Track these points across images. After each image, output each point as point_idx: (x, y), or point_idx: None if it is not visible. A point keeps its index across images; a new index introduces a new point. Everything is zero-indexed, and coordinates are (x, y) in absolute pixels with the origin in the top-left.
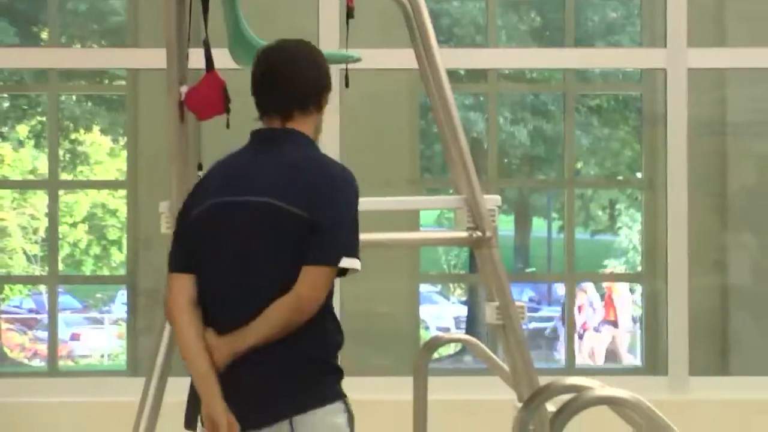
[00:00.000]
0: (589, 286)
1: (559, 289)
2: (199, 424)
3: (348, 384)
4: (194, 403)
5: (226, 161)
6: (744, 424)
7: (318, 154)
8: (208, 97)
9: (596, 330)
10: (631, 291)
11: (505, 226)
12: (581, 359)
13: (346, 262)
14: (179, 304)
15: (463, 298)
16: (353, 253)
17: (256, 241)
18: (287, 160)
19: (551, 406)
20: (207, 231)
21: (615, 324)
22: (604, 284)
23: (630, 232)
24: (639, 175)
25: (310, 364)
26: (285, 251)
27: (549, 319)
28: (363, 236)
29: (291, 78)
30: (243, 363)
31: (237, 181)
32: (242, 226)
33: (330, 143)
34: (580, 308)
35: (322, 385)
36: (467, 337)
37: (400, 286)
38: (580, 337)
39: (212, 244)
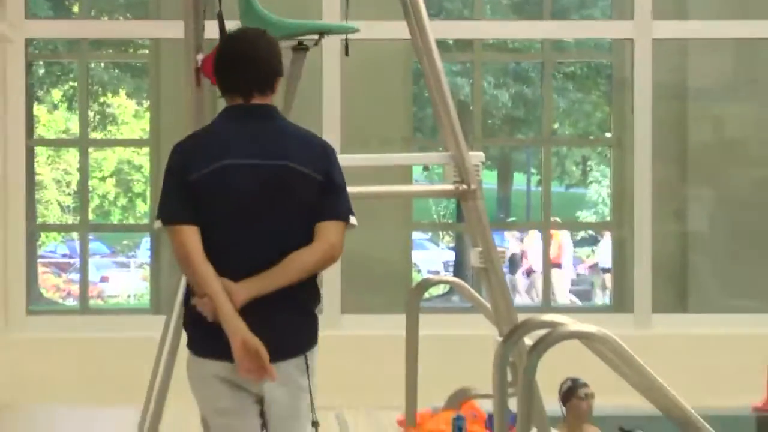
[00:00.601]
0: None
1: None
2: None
3: (349, 321)
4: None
5: (215, 130)
6: (701, 356)
7: (301, 127)
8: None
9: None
10: (598, 239)
11: (489, 180)
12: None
13: (352, 219)
14: (197, 249)
15: (451, 245)
16: (352, 211)
17: (276, 199)
18: (285, 130)
19: (528, 341)
20: (219, 189)
21: (559, 266)
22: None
23: (600, 186)
24: (608, 134)
25: (309, 310)
26: (303, 209)
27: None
28: (362, 189)
29: (257, 63)
30: (266, 304)
31: (246, 146)
32: (262, 186)
33: (331, 106)
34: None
35: (316, 327)
36: (454, 279)
37: (395, 234)
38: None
39: (226, 202)
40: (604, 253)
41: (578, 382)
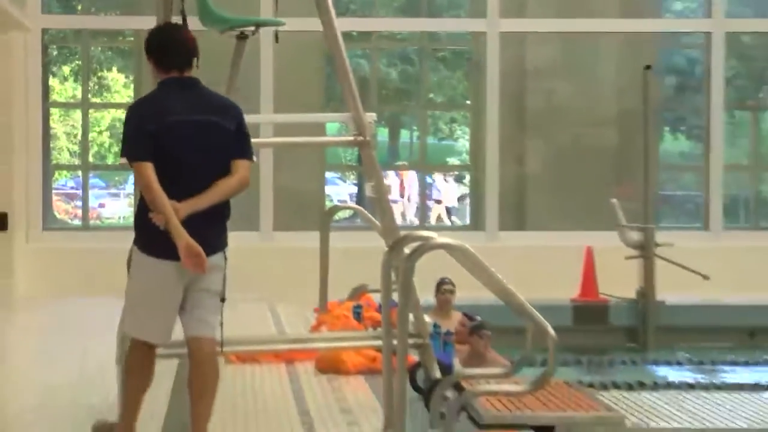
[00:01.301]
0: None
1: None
2: None
3: (280, 236)
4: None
5: (161, 95)
6: (534, 262)
7: (216, 93)
8: None
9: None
10: (462, 177)
11: (382, 134)
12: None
13: (254, 158)
14: (154, 179)
15: (355, 181)
16: (253, 153)
17: (206, 145)
18: (208, 95)
19: (407, 250)
20: (169, 138)
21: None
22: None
23: (464, 139)
24: (468, 102)
25: (225, 221)
26: (223, 151)
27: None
28: (287, 139)
29: (187, 47)
30: (199, 217)
31: (184, 106)
32: (197, 135)
33: (266, 81)
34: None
35: (227, 233)
36: (356, 206)
37: (314, 173)
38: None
39: (173, 146)
40: (466, 188)
41: (444, 280)
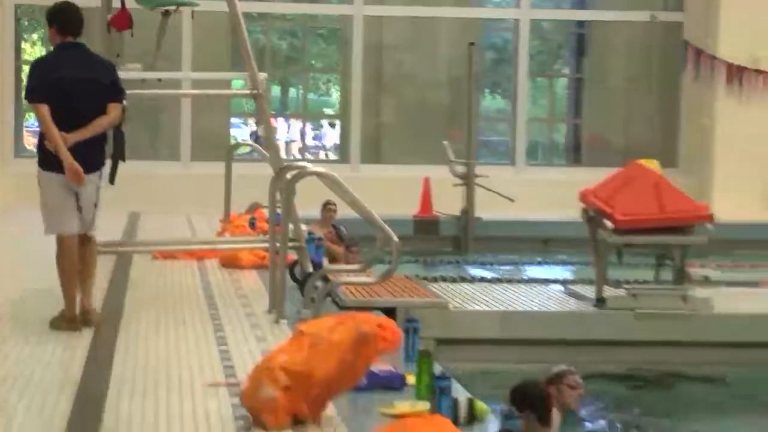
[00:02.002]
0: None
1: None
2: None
3: (196, 165)
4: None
5: (59, 54)
6: (387, 188)
7: (98, 54)
8: (122, 20)
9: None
10: (334, 124)
11: (275, 91)
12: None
13: (124, 103)
14: (48, 116)
15: (253, 125)
16: (124, 99)
17: (89, 93)
18: (93, 57)
19: (288, 176)
20: (62, 88)
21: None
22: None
23: (336, 95)
24: (339, 67)
25: (103, 148)
26: (102, 97)
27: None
28: (201, 91)
29: (80, 20)
30: (81, 145)
31: (76, 65)
32: (85, 85)
33: (186, 50)
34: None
35: (104, 155)
36: (253, 143)
37: (222, 118)
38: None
39: (66, 93)
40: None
41: (329, 201)
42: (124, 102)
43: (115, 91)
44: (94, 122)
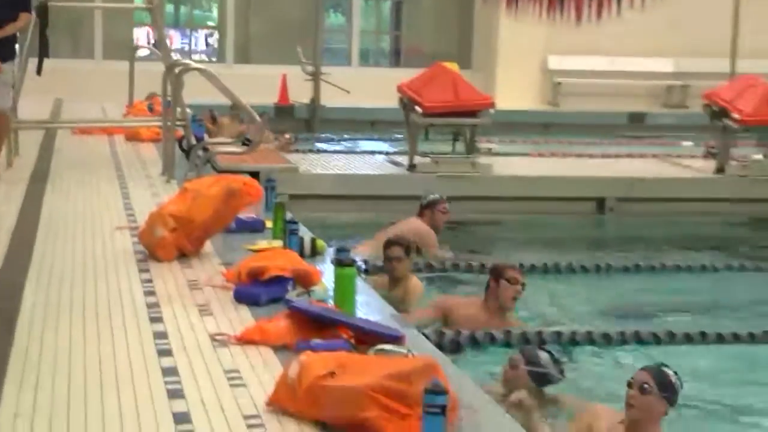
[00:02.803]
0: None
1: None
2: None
3: (106, 63)
4: None
5: None
6: (252, 83)
7: None
8: None
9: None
10: (213, 34)
11: (169, 8)
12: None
13: (33, 15)
14: None
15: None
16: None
17: (6, 4)
18: None
19: (176, 71)
20: None
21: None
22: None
23: (216, 11)
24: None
25: (13, 45)
26: (15, 7)
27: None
28: (107, 5)
29: None
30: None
31: None
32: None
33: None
34: None
35: (14, 50)
36: (150, 47)
37: (127, 27)
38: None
39: None
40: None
41: (212, 114)
42: (33, 15)
43: (24, 3)
44: (6, 27)
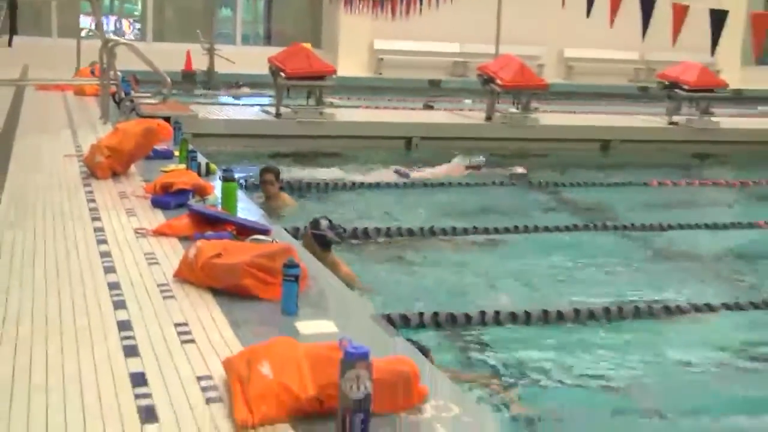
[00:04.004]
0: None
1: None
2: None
3: (60, 41)
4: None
5: None
6: (166, 56)
7: None
8: None
9: None
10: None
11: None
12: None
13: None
14: None
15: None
16: None
17: None
18: None
19: (110, 45)
20: None
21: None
22: None
23: (140, 2)
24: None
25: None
26: None
27: None
28: None
29: None
30: None
31: None
32: None
33: None
34: None
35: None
36: (92, 29)
37: (75, 15)
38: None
39: None
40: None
41: (135, 77)
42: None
43: None
44: None
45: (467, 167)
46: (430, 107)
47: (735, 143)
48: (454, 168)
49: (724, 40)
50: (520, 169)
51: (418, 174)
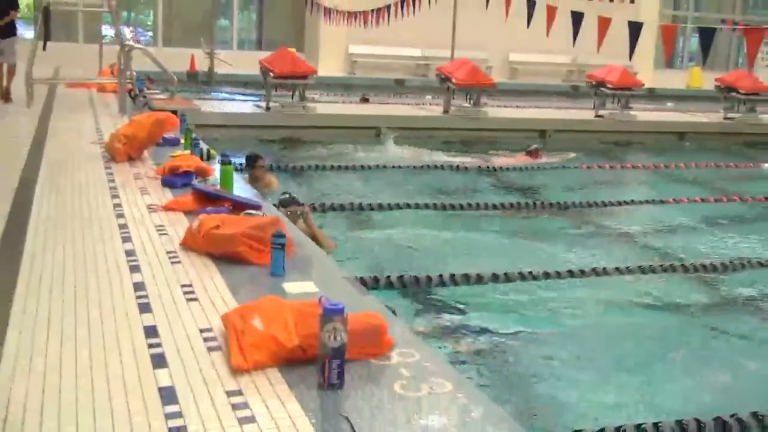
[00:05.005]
0: None
1: None
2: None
3: (84, 46)
4: None
5: None
6: (176, 59)
7: None
8: None
9: None
10: (150, 29)
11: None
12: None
13: (19, 8)
14: None
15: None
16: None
17: (4, 4)
18: None
19: (127, 49)
20: None
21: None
22: None
23: (152, 15)
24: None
25: (10, 28)
26: (8, 6)
27: None
28: (82, 8)
29: None
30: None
31: None
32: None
33: None
34: None
35: (15, 34)
36: (113, 35)
37: (97, 23)
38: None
39: None
40: None
41: (149, 77)
42: (19, 9)
43: (14, 3)
44: (6, 18)
45: (526, 153)
46: (366, 100)
47: (648, 133)
48: (519, 157)
49: (640, 47)
50: (534, 146)
51: (498, 161)
